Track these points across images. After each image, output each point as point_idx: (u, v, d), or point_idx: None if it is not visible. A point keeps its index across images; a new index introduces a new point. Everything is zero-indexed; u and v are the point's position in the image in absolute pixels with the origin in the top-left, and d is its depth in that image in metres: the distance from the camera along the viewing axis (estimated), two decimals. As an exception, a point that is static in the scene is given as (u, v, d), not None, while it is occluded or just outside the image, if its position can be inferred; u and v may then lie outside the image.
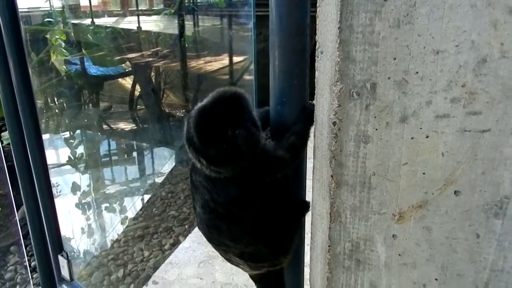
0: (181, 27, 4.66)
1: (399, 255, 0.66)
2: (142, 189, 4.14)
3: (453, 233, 0.62)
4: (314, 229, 0.76)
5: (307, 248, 0.91)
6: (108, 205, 3.76)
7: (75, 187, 3.49)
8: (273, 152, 0.81)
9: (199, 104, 0.80)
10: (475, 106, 0.56)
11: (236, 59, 4.63)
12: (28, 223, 2.04)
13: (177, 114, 5.24)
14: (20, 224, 2.95)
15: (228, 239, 0.86)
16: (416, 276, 0.65)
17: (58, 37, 3.94)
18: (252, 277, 0.98)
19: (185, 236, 2.88)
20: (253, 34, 3.61)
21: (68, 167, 3.68)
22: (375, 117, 0.61)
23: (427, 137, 0.59)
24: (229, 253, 0.90)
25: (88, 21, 4.27)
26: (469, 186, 0.59)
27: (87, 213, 3.48)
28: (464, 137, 0.57)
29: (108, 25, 4.49)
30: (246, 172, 0.80)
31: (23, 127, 1.83)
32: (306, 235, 0.93)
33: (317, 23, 0.66)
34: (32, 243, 2.10)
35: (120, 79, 5.21)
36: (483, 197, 0.59)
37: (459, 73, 0.55)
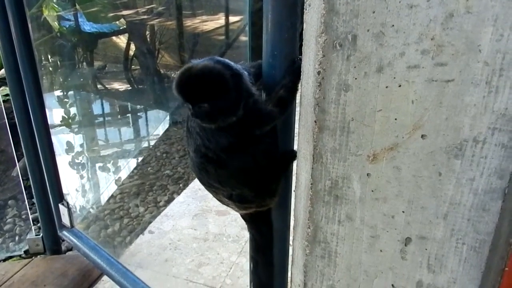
0: (177, -16, 4.59)
1: (372, 191, 0.75)
2: (137, 149, 4.20)
3: (419, 171, 0.70)
4: (299, 169, 0.84)
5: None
6: (103, 164, 3.83)
7: (69, 147, 3.53)
8: (263, 106, 0.87)
9: (189, 66, 0.85)
10: (442, 58, 0.63)
11: (232, 19, 4.59)
12: (29, 174, 2.12)
13: (172, 75, 5.24)
14: (18, 179, 3.02)
15: (217, 182, 0.93)
16: (386, 209, 0.75)
17: (50, -10, 3.87)
18: (242, 216, 1.07)
19: (179, 194, 2.98)
20: (249, -7, 3.58)
21: (62, 127, 3.70)
22: (355, 67, 0.68)
23: (399, 86, 0.67)
24: (219, 194, 0.98)
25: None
26: (434, 131, 0.67)
27: (82, 171, 3.55)
28: (431, 86, 0.65)
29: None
30: (236, 124, 0.86)
31: (22, 79, 1.87)
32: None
33: (306, -22, 0.71)
34: (34, 193, 2.19)
35: (114, 37, 5.15)
36: (445, 140, 0.67)
37: (429, 27, 0.62)
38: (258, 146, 0.91)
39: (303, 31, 0.75)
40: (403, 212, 0.74)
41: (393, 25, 0.63)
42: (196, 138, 0.91)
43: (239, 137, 0.89)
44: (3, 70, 2.41)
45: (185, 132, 0.97)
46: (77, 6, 4.19)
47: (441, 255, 0.73)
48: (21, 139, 2.05)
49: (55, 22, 4.11)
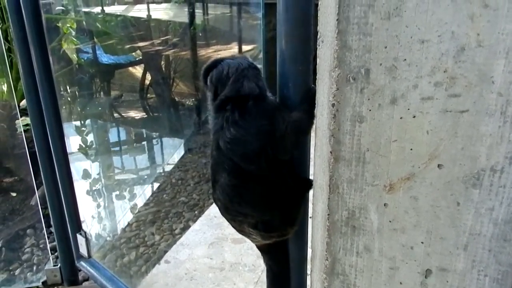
0: (191, 15, 4.72)
1: (390, 221, 0.74)
2: (152, 176, 4.24)
3: (436, 201, 0.70)
4: (315, 200, 0.85)
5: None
6: (119, 192, 3.86)
7: (86, 174, 3.58)
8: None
9: None
10: (455, 89, 0.64)
11: (245, 47, 4.68)
12: (48, 203, 2.16)
13: (187, 103, 5.33)
14: (37, 208, 3.06)
15: (249, 206, 0.94)
16: (405, 240, 0.74)
17: (69, 25, 4.01)
18: (260, 247, 1.07)
19: (194, 221, 2.98)
20: (262, 23, 3.66)
21: (79, 155, 3.77)
22: (368, 99, 0.69)
23: (414, 117, 0.68)
24: (244, 223, 0.98)
25: (98, 9, 4.34)
26: (451, 160, 0.67)
27: (99, 199, 3.58)
28: (446, 116, 0.65)
29: (119, 13, 4.56)
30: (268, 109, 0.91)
31: (43, 109, 1.93)
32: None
33: (318, 15, 0.74)
34: (52, 223, 2.22)
35: (130, 68, 5.29)
36: (462, 169, 0.67)
37: (441, 60, 0.63)
38: (281, 172, 0.93)
39: (317, 66, 0.77)
40: (422, 243, 0.73)
41: (405, 59, 0.64)
42: (234, 149, 0.90)
43: (273, 124, 0.90)
44: (24, 101, 2.49)
45: (213, 160, 0.97)
46: (95, 39, 4.34)
47: (463, 287, 0.72)
48: (40, 167, 2.10)
49: (74, 55, 4.25)
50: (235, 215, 0.97)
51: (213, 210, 2.94)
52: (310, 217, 0.95)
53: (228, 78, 0.93)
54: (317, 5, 0.78)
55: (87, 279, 2.43)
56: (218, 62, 0.97)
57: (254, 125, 0.89)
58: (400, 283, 0.76)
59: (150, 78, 5.02)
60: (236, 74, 0.93)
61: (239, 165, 0.90)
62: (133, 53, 4.91)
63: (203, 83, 1.00)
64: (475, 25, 0.59)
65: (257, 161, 0.90)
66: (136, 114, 5.26)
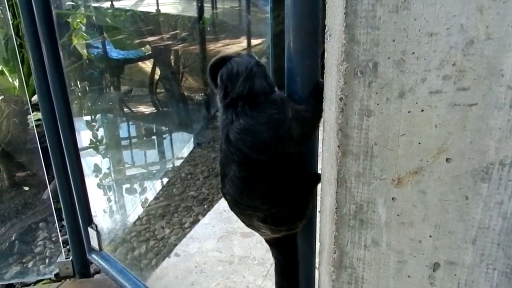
0: (200, 9, 4.71)
1: (398, 215, 0.74)
2: (162, 170, 4.26)
3: (445, 195, 0.70)
4: (323, 194, 0.85)
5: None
6: (129, 185, 3.89)
7: (97, 169, 3.62)
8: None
9: None
10: (464, 82, 0.63)
11: (254, 41, 4.67)
12: (60, 197, 2.19)
13: (196, 97, 5.34)
14: (49, 202, 3.11)
15: (258, 199, 0.95)
16: (413, 234, 0.74)
17: (79, 20, 4.03)
18: (268, 241, 1.08)
19: (204, 215, 3.00)
20: (270, 17, 3.64)
21: (89, 149, 3.80)
22: (376, 93, 0.69)
23: (422, 110, 0.67)
24: (253, 217, 0.99)
25: (108, 4, 4.35)
26: (459, 154, 0.67)
27: (109, 193, 3.61)
28: (455, 110, 0.65)
29: (128, 8, 4.57)
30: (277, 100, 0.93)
31: (54, 104, 1.95)
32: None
33: (326, 8, 0.74)
34: (64, 217, 2.26)
35: (140, 63, 5.31)
36: (471, 163, 0.67)
37: (450, 53, 0.62)
38: (289, 166, 0.94)
39: (325, 60, 0.77)
40: (430, 236, 0.73)
41: (413, 53, 0.64)
42: (244, 140, 0.91)
43: (282, 112, 0.91)
44: (35, 96, 2.52)
45: (222, 154, 0.97)
46: (105, 34, 4.35)
47: (471, 281, 0.72)
48: (52, 162, 2.13)
49: (84, 50, 4.27)
50: (244, 208, 0.98)
51: (222, 204, 2.95)
52: (319, 211, 0.95)
53: (238, 76, 0.93)
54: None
55: (98, 272, 2.46)
56: (225, 59, 0.97)
57: (264, 114, 0.90)
58: (408, 276, 0.76)
59: (159, 73, 5.04)
60: (246, 73, 0.93)
61: (249, 157, 0.91)
62: (143, 48, 4.92)
63: (210, 80, 1.00)
64: (484, 17, 0.59)
65: (267, 151, 0.90)
66: (145, 109, 5.28)
